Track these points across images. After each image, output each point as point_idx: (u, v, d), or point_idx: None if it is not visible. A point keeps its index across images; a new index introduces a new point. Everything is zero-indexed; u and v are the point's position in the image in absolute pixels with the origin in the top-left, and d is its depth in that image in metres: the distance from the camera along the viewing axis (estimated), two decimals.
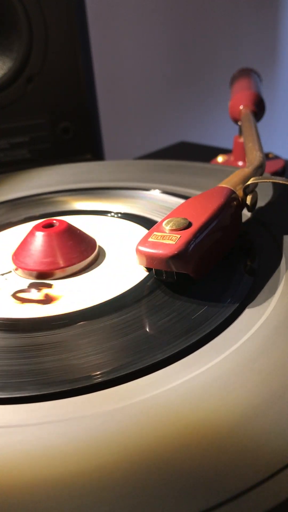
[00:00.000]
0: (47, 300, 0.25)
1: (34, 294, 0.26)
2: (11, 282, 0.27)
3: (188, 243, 0.23)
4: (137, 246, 0.24)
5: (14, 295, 0.26)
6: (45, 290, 0.26)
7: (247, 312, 0.22)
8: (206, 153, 0.59)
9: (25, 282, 0.27)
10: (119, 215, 0.34)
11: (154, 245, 0.23)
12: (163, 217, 0.26)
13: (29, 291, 0.26)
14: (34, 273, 0.27)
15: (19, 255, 0.28)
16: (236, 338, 0.21)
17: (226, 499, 0.14)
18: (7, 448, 0.17)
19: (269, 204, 0.32)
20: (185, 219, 0.24)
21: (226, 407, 0.17)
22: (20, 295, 0.26)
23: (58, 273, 0.27)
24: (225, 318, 0.22)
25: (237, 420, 0.17)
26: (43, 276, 0.27)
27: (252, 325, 0.21)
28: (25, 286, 0.26)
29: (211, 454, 0.15)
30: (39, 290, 0.26)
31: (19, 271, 0.27)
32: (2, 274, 0.28)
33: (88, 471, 0.15)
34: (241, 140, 0.48)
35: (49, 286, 0.26)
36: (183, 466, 0.15)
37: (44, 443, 0.17)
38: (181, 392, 0.18)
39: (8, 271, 0.28)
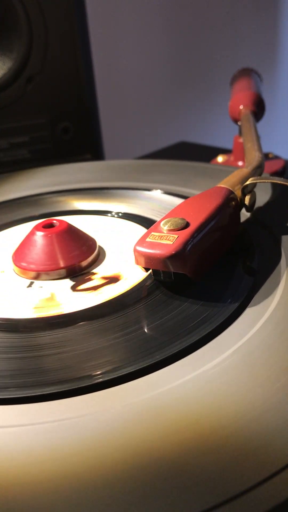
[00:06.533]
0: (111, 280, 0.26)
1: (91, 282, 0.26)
2: (11, 283, 0.27)
3: (186, 244, 0.23)
4: (134, 246, 0.24)
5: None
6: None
7: (248, 312, 0.22)
8: (206, 153, 0.59)
9: (25, 282, 0.27)
10: (119, 215, 0.34)
11: (151, 245, 0.23)
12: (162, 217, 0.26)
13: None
14: (34, 273, 0.27)
15: (19, 255, 0.28)
16: (236, 338, 0.21)
17: (226, 499, 0.14)
18: (8, 448, 0.17)
19: (268, 204, 0.32)
20: (183, 219, 0.24)
21: (226, 407, 0.17)
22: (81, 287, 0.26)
23: (58, 273, 0.27)
24: (225, 318, 0.22)
25: (237, 420, 0.17)
26: (43, 276, 0.27)
27: (252, 325, 0.21)
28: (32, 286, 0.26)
29: (212, 454, 0.15)
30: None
31: (19, 271, 0.27)
32: None
33: (88, 470, 0.15)
34: (241, 140, 0.48)
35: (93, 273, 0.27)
36: (183, 466, 0.15)
37: (44, 443, 0.17)
38: (181, 391, 0.18)
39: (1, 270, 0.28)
